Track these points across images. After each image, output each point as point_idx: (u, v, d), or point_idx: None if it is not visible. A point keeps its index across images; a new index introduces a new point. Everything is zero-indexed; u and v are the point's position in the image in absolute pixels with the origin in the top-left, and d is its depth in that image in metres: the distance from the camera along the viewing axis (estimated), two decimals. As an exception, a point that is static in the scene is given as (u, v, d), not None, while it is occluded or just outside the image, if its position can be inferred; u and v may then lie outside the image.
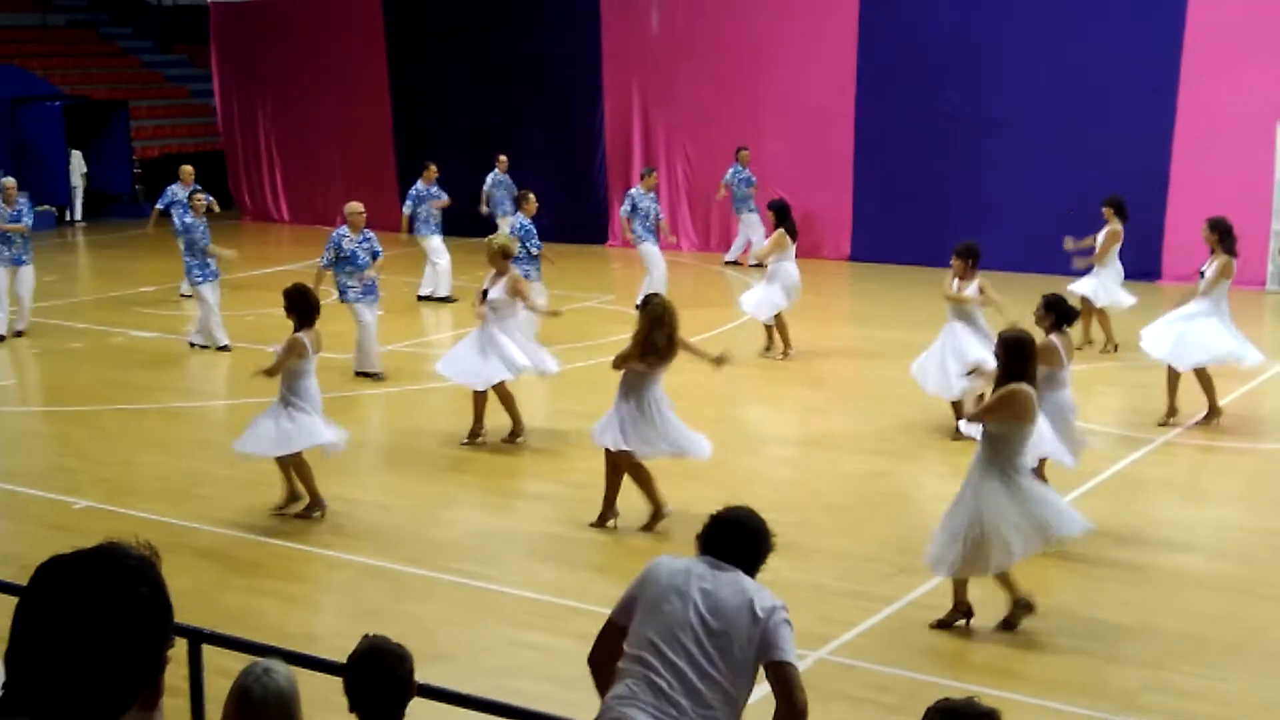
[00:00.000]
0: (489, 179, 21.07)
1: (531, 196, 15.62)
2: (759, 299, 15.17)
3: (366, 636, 4.40)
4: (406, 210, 18.93)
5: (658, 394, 9.67)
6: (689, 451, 9.75)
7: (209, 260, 15.80)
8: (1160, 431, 12.05)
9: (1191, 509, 10.59)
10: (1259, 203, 18.48)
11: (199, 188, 17.61)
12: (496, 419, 12.00)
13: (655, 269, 17.55)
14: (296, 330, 9.91)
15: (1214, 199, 17.12)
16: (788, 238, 15.04)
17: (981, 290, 11.74)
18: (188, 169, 18.74)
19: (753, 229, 21.42)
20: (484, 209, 20.72)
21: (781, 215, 15.14)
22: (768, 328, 15.26)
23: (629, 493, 9.82)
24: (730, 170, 21.37)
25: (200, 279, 15.75)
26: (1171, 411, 12.18)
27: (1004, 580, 7.94)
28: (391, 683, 4.18)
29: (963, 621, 8.04)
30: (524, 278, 12.48)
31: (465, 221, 20.86)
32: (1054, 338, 9.41)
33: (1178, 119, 19.21)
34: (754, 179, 21.30)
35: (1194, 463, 11.65)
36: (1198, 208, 17.35)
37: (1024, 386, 7.73)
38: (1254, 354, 12.25)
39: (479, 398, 11.87)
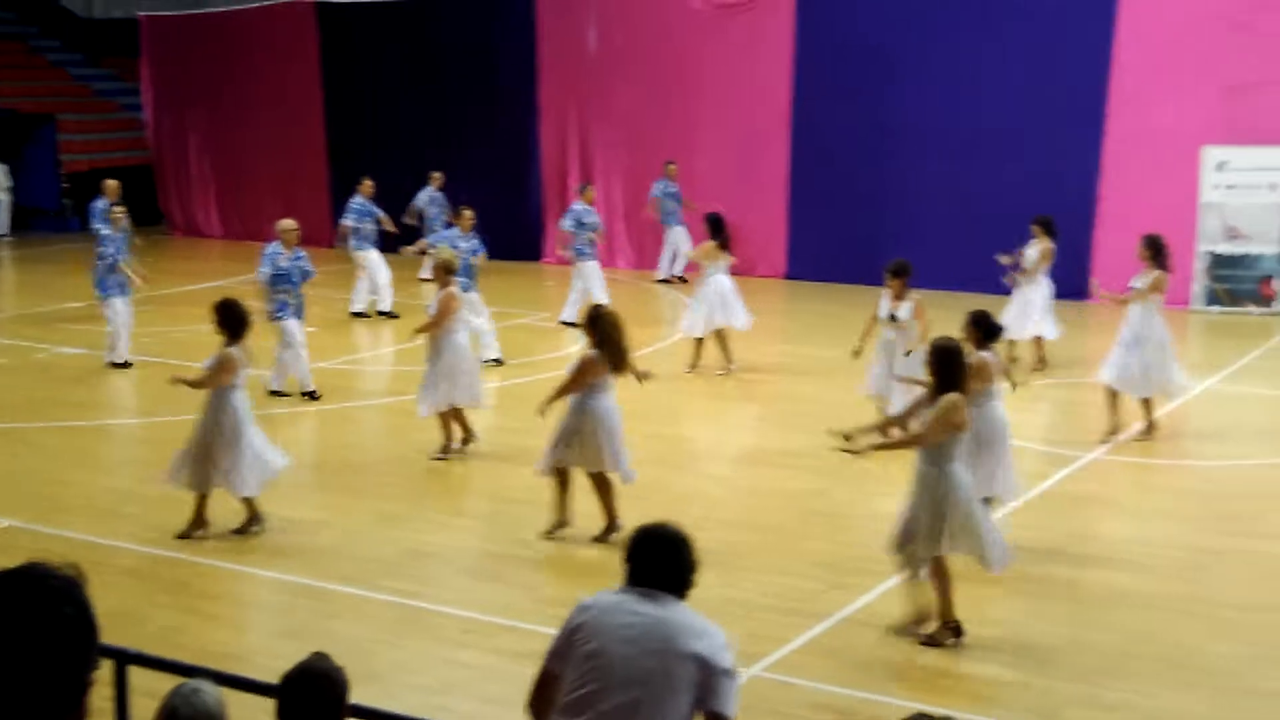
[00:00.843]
0: (422, 195, 21.01)
1: (468, 212, 15.56)
2: (691, 317, 15.23)
3: (316, 655, 4.33)
4: (350, 222, 18.76)
5: (614, 405, 9.70)
6: (626, 473, 9.78)
7: (115, 275, 15.57)
8: (1088, 448, 12.21)
9: (1120, 525, 10.72)
10: (1185, 225, 18.82)
11: (119, 203, 17.39)
12: (435, 432, 11.95)
13: (594, 285, 17.52)
14: (227, 345, 9.80)
15: (1141, 220, 17.38)
16: (719, 250, 15.09)
17: (917, 308, 11.86)
18: (112, 183, 18.51)
19: (680, 243, 21.52)
20: (409, 220, 20.56)
21: (715, 228, 15.19)
22: (697, 343, 15.27)
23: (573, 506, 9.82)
24: (658, 184, 21.48)
25: (107, 293, 15.54)
26: (1114, 429, 12.36)
27: (945, 595, 8.00)
28: (324, 705, 4.12)
29: (952, 640, 8.06)
30: (460, 294, 12.41)
31: (397, 238, 20.74)
32: (983, 354, 9.49)
33: (1106, 141, 19.54)
34: (680, 193, 21.42)
35: (1122, 479, 11.80)
36: (1125, 228, 17.64)
37: (957, 396, 7.82)
38: (1182, 381, 12.57)
39: (444, 415, 11.89)
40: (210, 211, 27.83)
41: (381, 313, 18.67)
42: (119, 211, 16.23)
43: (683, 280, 21.53)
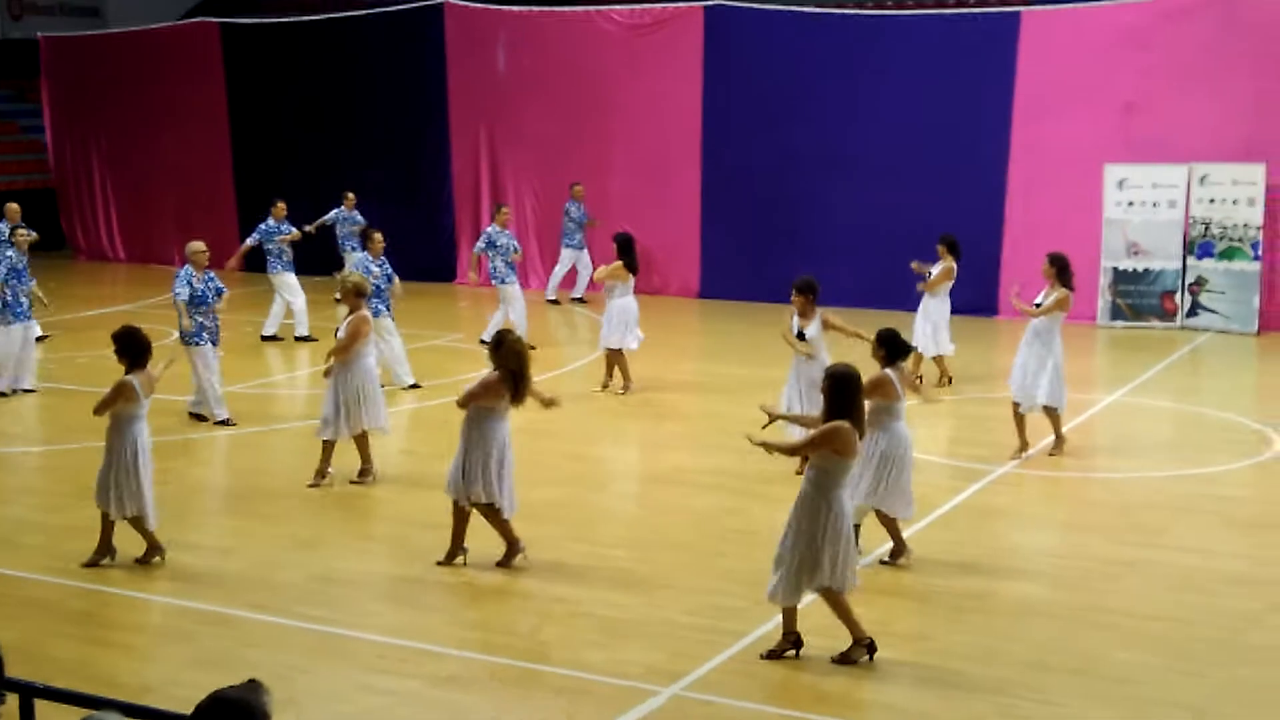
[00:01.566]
0: (334, 213, 20.82)
1: (378, 235, 15.45)
2: (604, 334, 15.25)
3: (249, 683, 4.20)
4: (251, 242, 18.53)
5: (506, 435, 9.61)
6: (507, 504, 9.67)
7: (23, 300, 15.26)
8: (998, 462, 12.37)
9: (1030, 537, 10.87)
10: (1089, 240, 19.21)
11: (22, 224, 17.05)
12: (346, 459, 11.82)
13: (515, 307, 17.41)
14: (127, 373, 9.62)
15: (1047, 236, 17.75)
16: (626, 270, 15.13)
17: (826, 323, 11.94)
18: (13, 206, 18.13)
19: (581, 263, 21.56)
20: (310, 229, 20.23)
21: (623, 248, 15.23)
22: (608, 363, 15.29)
23: (478, 531, 9.73)
24: (569, 204, 21.52)
25: (14, 318, 15.22)
26: (1024, 446, 12.54)
27: (846, 617, 8.03)
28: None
29: (792, 651, 8.10)
30: (372, 317, 12.29)
31: (313, 260, 20.55)
32: (889, 371, 9.58)
33: (1011, 159, 19.91)
34: (585, 213, 21.47)
35: (1032, 492, 11.96)
36: (1031, 245, 17.98)
37: (845, 424, 7.86)
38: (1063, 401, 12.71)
39: (361, 440, 11.78)
40: (114, 235, 27.36)
41: (299, 338, 18.45)
42: (22, 234, 15.86)
43: (580, 301, 21.54)
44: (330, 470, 11.79)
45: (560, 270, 21.85)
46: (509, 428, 9.67)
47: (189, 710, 4.34)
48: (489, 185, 23.43)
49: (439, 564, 9.68)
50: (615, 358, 15.23)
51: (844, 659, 8.03)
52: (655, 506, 11.65)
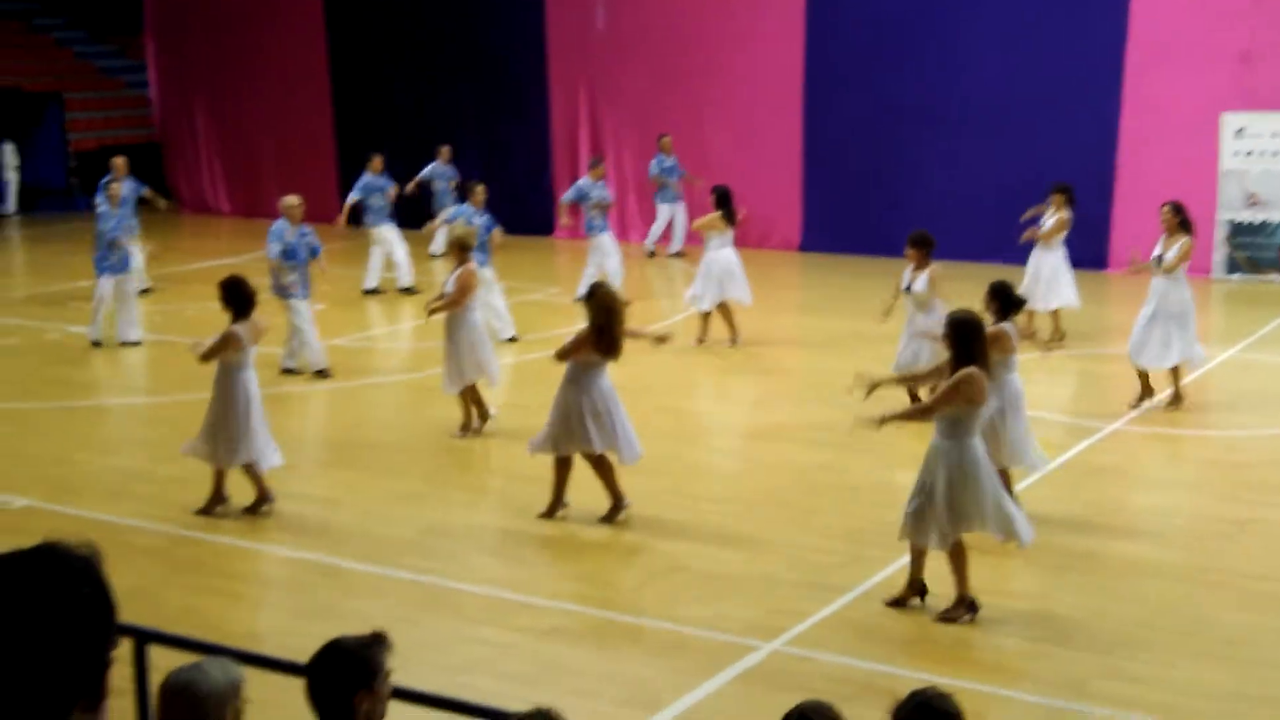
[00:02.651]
0: (430, 168, 20.89)
1: (480, 187, 15.45)
2: (695, 291, 15.12)
3: (374, 634, 4.24)
4: (353, 198, 18.62)
5: (607, 386, 9.59)
6: (622, 452, 9.65)
7: (112, 252, 15.49)
8: (1110, 419, 12.12)
9: (1142, 496, 10.65)
10: (1204, 193, 18.65)
11: (111, 177, 17.19)
12: (451, 410, 11.91)
13: (610, 260, 17.37)
14: (233, 322, 9.75)
15: (1160, 189, 17.24)
16: (724, 221, 14.97)
17: (932, 279, 11.77)
18: (119, 160, 18.42)
19: (678, 217, 21.40)
20: (410, 191, 20.34)
21: (721, 200, 15.08)
22: (704, 318, 15.17)
23: (582, 485, 9.74)
24: (654, 160, 21.38)
25: (100, 270, 15.46)
26: (1143, 395, 12.28)
27: (961, 572, 7.93)
28: (342, 684, 4.03)
29: (917, 600, 8.03)
30: (477, 271, 12.29)
31: (407, 214, 20.66)
32: (1005, 324, 9.40)
33: (1123, 109, 19.38)
34: (678, 167, 21.27)
35: (1144, 450, 11.72)
36: (1143, 197, 17.53)
37: (974, 370, 7.73)
38: (1200, 353, 12.53)
39: (464, 394, 11.81)
40: (218, 188, 27.75)
41: (402, 289, 18.53)
42: (115, 188, 16.09)
43: (680, 255, 21.41)
44: (474, 422, 11.83)
45: (658, 225, 21.76)
46: (607, 382, 9.62)
47: (297, 658, 4.39)
48: (587, 140, 23.38)
49: (540, 516, 9.72)
50: (719, 313, 15.08)
51: (946, 617, 7.94)
52: (755, 462, 11.59)
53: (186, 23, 27.39)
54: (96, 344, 15.43)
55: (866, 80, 20.87)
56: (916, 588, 8.09)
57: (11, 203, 27.48)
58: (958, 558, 7.93)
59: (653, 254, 21.64)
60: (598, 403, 9.47)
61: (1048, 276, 14.78)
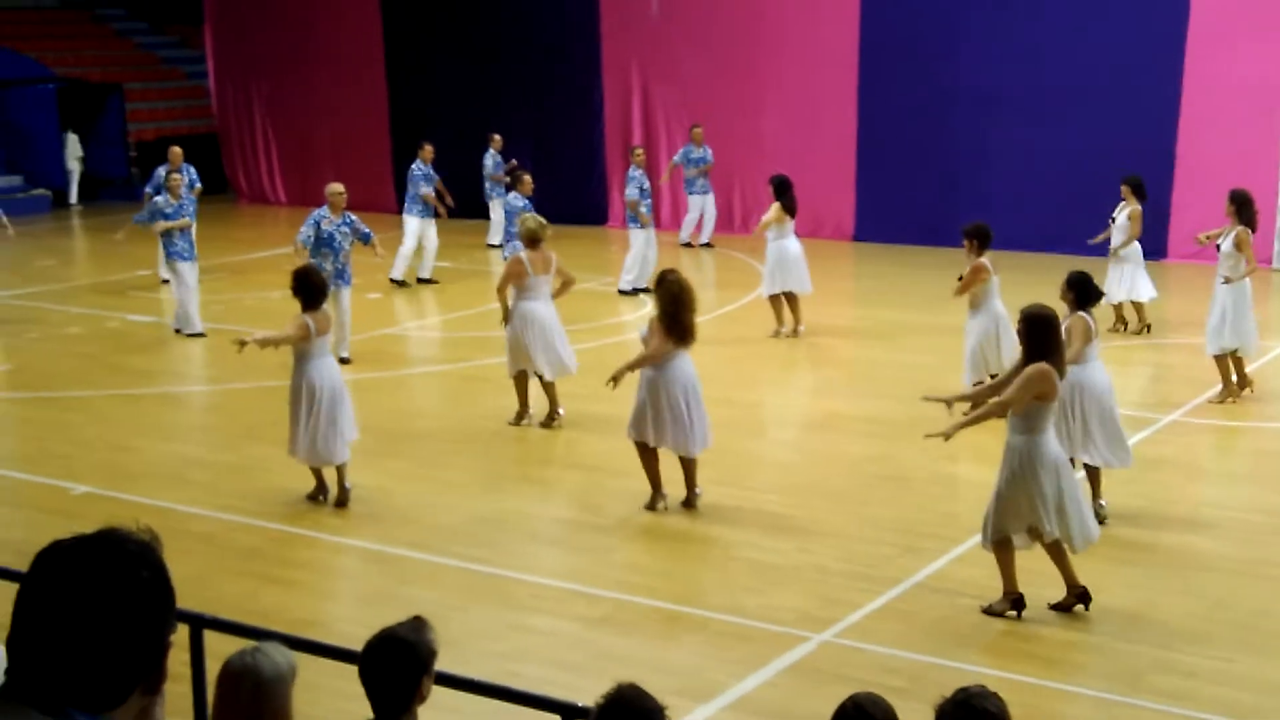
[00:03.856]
0: (488, 159, 20.88)
1: (527, 177, 15.45)
2: (764, 279, 15.09)
3: (413, 620, 4.29)
4: (426, 190, 18.56)
5: (682, 378, 9.51)
6: (692, 447, 9.64)
7: (175, 240, 15.53)
8: (1167, 410, 11.99)
9: (1199, 488, 10.54)
10: (1265, 182, 18.35)
11: (169, 167, 17.32)
12: (536, 402, 11.96)
13: (652, 249, 17.43)
14: (304, 312, 9.79)
15: (1220, 178, 16.99)
16: (784, 212, 14.89)
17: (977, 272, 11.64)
18: (176, 150, 18.60)
19: (707, 209, 21.33)
20: (496, 180, 20.48)
21: (780, 190, 14.99)
22: (774, 306, 15.13)
23: (633, 472, 9.77)
24: (682, 150, 21.31)
25: (173, 258, 15.53)
26: (1240, 384, 12.16)
27: (1005, 570, 7.85)
28: (405, 672, 4.09)
29: (1013, 613, 7.89)
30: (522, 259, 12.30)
31: (462, 204, 20.74)
32: (1083, 314, 9.27)
33: (1183, 97, 19.09)
34: (708, 158, 21.18)
35: (1201, 442, 11.59)
36: (1204, 185, 17.29)
37: (1043, 366, 7.64)
38: (1257, 343, 12.35)
39: (518, 381, 11.83)
40: (275, 178, 27.98)
41: (421, 279, 18.58)
42: (176, 178, 16.20)
43: (708, 246, 21.32)
44: (530, 416, 11.87)
45: (691, 217, 21.65)
46: (687, 369, 9.53)
47: (351, 645, 4.44)
48: (641, 126, 23.36)
49: (646, 508, 9.66)
50: (776, 303, 15.06)
51: (991, 612, 7.88)
52: (809, 452, 11.56)
53: (245, 13, 27.61)
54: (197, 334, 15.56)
55: (921, 66, 20.69)
56: (1075, 591, 7.92)
57: (74, 193, 27.86)
58: (1003, 552, 7.86)
59: (688, 244, 21.55)
60: (668, 396, 9.42)
61: (1129, 269, 14.44)
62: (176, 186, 15.93)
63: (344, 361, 13.91)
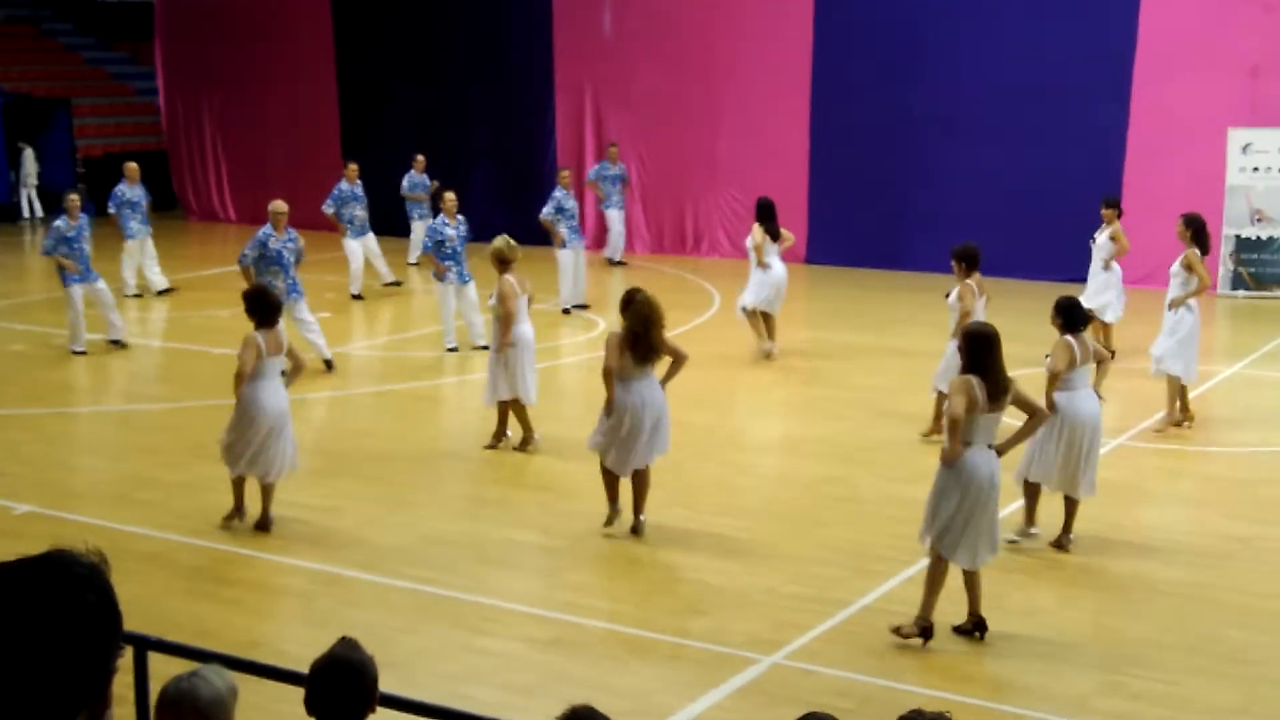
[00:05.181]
0: (406, 180, 20.91)
1: (450, 196, 15.33)
2: (744, 293, 15.05)
3: (344, 641, 4.24)
4: (329, 210, 18.75)
5: (643, 398, 9.44)
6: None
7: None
8: (1114, 434, 12.09)
9: (1147, 512, 10.62)
10: (1211, 207, 18.58)
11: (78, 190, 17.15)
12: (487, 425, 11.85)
13: (580, 266, 17.70)
14: (256, 330, 9.66)
15: (1167, 203, 17.21)
16: (766, 234, 14.82)
17: (960, 294, 11.61)
18: (133, 166, 18.37)
19: (615, 226, 21.48)
20: (413, 197, 20.52)
21: (763, 214, 14.95)
22: (753, 324, 15.03)
23: (589, 494, 9.73)
24: (596, 166, 21.44)
25: (69, 283, 15.21)
26: (1181, 416, 12.25)
27: (928, 595, 7.85)
28: (353, 695, 4.04)
29: (976, 635, 7.91)
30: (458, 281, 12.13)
31: (389, 223, 20.74)
32: (1068, 338, 9.36)
33: (1131, 122, 19.35)
34: (625, 175, 21.31)
35: (1149, 466, 11.68)
36: (1151, 211, 17.49)
37: (967, 378, 7.71)
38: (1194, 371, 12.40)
39: (502, 406, 11.69)
40: (225, 196, 27.79)
41: (354, 296, 18.66)
42: (74, 199, 15.70)
43: (619, 264, 21.38)
44: (508, 433, 11.77)
45: (614, 233, 21.70)
46: (648, 389, 9.44)
47: (297, 666, 4.38)
48: (593, 146, 23.39)
49: (604, 527, 9.64)
50: (754, 320, 14.96)
51: (901, 631, 7.87)
52: (762, 474, 11.56)
53: (195, 30, 27.45)
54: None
55: (873, 89, 20.85)
56: (974, 620, 7.96)
57: (38, 207, 27.55)
58: (934, 576, 7.84)
59: (622, 263, 21.57)
60: (629, 417, 9.35)
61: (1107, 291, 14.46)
62: (74, 208, 15.34)
63: (328, 365, 14.00)
